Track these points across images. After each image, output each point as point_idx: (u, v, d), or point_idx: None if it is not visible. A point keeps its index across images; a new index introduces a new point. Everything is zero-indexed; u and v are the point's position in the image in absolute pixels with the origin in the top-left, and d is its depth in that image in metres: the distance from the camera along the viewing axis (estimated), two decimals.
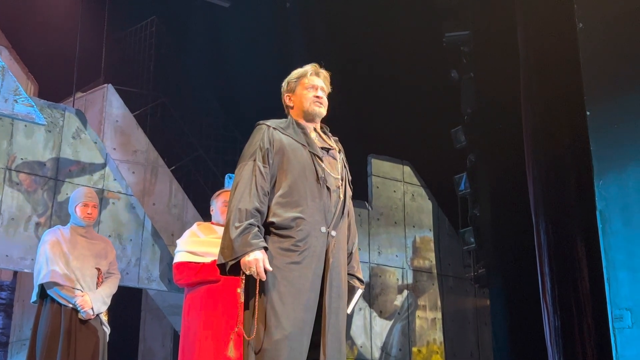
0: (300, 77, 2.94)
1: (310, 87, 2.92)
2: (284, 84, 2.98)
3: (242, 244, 2.61)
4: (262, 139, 2.78)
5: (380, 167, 7.13)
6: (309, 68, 2.96)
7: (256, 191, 2.69)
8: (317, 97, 2.91)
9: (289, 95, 2.95)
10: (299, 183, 2.74)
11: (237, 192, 2.69)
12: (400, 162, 7.28)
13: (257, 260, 2.60)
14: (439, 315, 7.07)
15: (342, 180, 2.86)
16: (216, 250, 3.87)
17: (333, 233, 2.75)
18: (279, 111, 3.03)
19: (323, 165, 2.81)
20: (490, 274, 6.93)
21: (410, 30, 7.18)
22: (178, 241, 4.04)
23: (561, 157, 5.64)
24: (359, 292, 2.94)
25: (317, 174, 2.77)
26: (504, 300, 6.77)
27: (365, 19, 7.52)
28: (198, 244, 3.93)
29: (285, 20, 8.22)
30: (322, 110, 2.93)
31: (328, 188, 2.79)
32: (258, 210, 2.68)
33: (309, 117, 2.91)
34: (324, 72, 2.98)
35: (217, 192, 4.21)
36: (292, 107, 2.94)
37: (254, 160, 2.74)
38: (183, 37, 8.47)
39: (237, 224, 2.63)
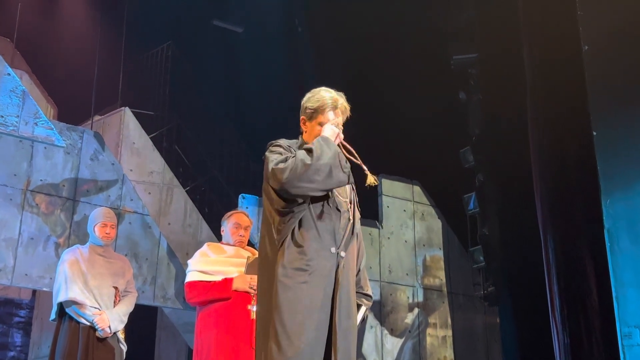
0: (317, 109, 2.88)
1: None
2: (303, 102, 2.93)
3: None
4: (283, 149, 2.81)
5: (391, 187, 7.18)
6: (328, 100, 2.88)
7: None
8: None
9: (303, 119, 2.93)
10: (310, 204, 2.76)
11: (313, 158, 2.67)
12: (410, 182, 7.32)
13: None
14: (450, 332, 7.07)
15: (350, 203, 2.89)
16: (226, 269, 3.90)
17: (342, 254, 2.77)
18: (292, 131, 3.06)
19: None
20: (499, 292, 6.94)
21: (418, 52, 7.28)
22: (189, 261, 4.07)
23: (568, 176, 5.65)
24: (363, 309, 2.97)
25: (327, 196, 2.80)
26: (513, 318, 6.78)
27: (375, 42, 7.63)
28: (209, 263, 3.96)
29: (296, 44, 8.35)
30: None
31: (338, 210, 2.82)
32: None
33: None
34: (342, 106, 2.90)
35: (229, 213, 4.21)
36: (304, 132, 2.95)
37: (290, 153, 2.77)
38: (198, 61, 8.59)
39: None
